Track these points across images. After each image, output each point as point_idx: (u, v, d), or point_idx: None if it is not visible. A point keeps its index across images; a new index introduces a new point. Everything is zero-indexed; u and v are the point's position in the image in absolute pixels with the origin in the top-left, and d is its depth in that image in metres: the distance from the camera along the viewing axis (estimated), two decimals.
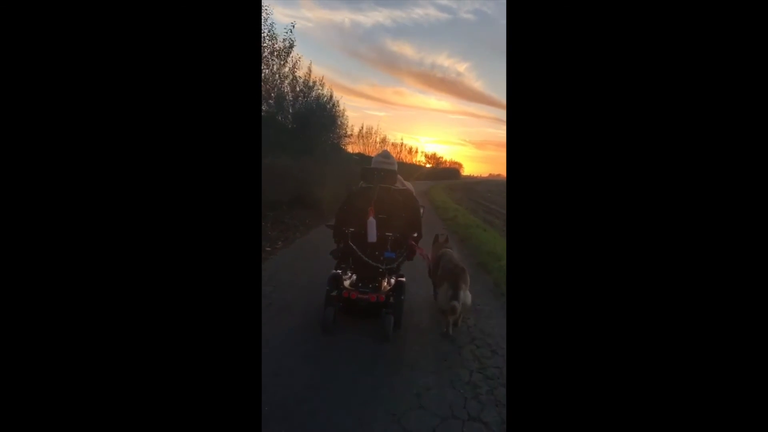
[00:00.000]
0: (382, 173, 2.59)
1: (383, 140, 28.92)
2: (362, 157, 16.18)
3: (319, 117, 10.87)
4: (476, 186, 32.53)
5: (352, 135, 13.01)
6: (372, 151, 24.99)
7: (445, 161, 51.31)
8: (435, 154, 46.63)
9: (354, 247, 2.49)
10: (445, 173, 42.89)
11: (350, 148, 20.30)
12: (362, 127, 26.64)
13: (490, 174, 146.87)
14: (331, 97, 11.97)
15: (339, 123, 12.37)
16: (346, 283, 2.56)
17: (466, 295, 2.45)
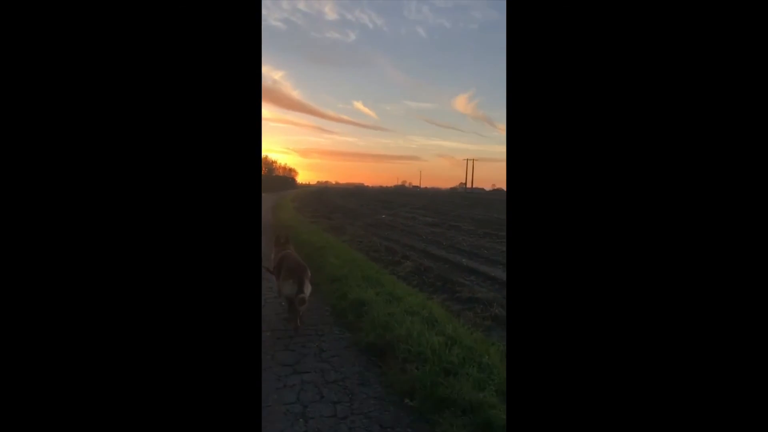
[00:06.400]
0: None
1: None
2: None
3: None
4: (334, 198, 24.50)
5: None
6: None
7: (279, 167, 48.31)
8: (267, 158, 42.22)
9: None
10: (279, 182, 40.88)
11: None
12: None
13: (318, 181, 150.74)
14: None
15: None
16: None
17: (308, 288, 2.98)
